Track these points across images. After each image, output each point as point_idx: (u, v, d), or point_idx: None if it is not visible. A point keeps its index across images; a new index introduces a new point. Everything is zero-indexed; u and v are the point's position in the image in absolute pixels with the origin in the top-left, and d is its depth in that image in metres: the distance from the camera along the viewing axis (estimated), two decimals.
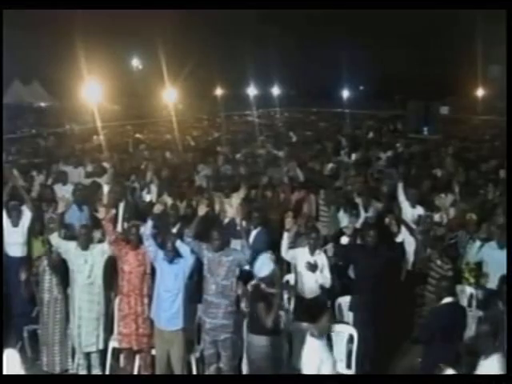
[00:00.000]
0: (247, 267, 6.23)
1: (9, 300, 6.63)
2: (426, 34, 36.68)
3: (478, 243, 7.07)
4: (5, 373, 4.16)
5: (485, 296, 6.71)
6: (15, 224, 7.18)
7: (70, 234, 6.55)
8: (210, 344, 6.00)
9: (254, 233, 7.18)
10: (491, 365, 4.44)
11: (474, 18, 28.28)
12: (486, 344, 4.50)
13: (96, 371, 6.42)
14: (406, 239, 7.05)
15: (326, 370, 4.62)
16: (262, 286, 5.57)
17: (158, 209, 6.54)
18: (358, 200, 8.50)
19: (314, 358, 4.61)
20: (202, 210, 6.38)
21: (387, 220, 6.96)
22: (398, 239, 6.80)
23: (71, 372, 6.41)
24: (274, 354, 5.52)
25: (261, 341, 5.48)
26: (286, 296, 6.28)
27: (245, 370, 6.02)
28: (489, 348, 4.48)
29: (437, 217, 7.94)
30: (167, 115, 24.95)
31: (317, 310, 4.87)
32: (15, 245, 7.17)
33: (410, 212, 7.93)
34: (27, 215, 7.21)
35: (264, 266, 5.66)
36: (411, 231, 7.29)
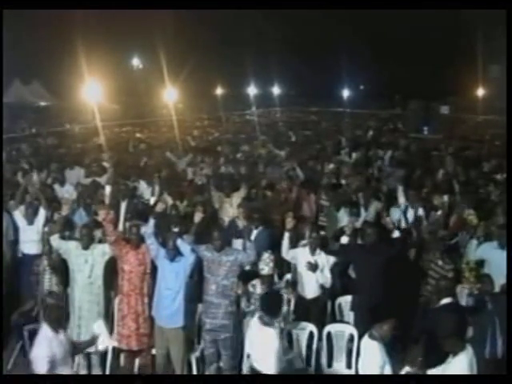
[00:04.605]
0: (248, 267, 6.23)
1: (22, 296, 6.70)
2: (426, 34, 36.65)
3: (475, 240, 7.05)
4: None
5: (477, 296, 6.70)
6: (30, 222, 7.24)
7: (74, 235, 6.57)
8: (211, 343, 6.01)
9: (255, 233, 7.18)
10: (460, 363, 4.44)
11: (475, 17, 28.26)
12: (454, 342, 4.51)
13: (96, 371, 6.40)
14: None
15: (388, 372, 4.65)
16: None
17: (160, 207, 6.60)
18: (359, 199, 8.50)
19: (375, 359, 4.60)
20: (198, 217, 6.54)
21: (383, 218, 6.97)
22: (395, 235, 6.80)
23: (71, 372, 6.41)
24: None
25: None
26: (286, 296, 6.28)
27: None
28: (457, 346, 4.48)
29: (437, 217, 7.94)
30: (167, 115, 24.96)
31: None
32: (30, 242, 7.26)
33: (410, 213, 7.93)
34: (42, 213, 7.31)
35: None
36: (407, 233, 7.27)
